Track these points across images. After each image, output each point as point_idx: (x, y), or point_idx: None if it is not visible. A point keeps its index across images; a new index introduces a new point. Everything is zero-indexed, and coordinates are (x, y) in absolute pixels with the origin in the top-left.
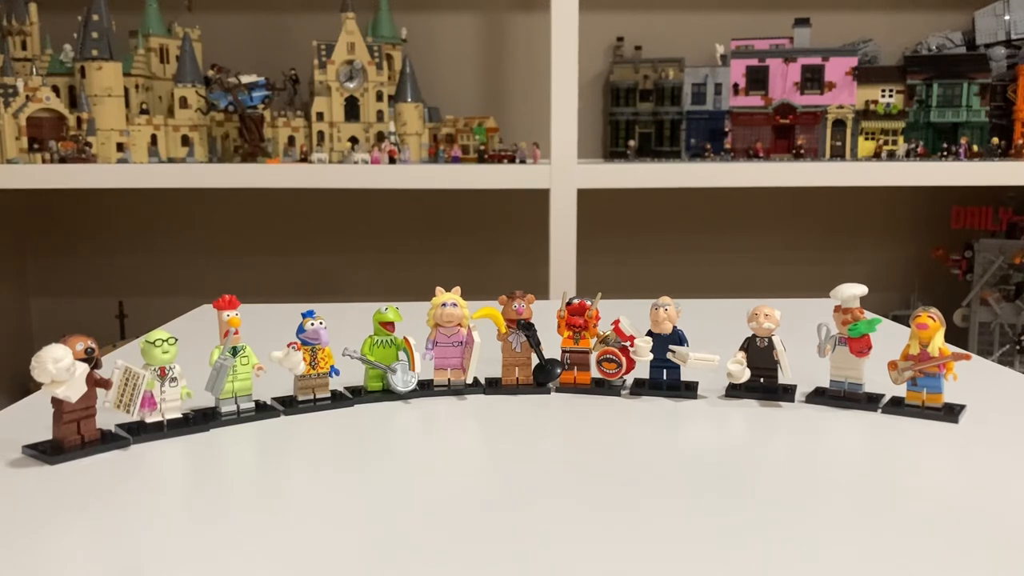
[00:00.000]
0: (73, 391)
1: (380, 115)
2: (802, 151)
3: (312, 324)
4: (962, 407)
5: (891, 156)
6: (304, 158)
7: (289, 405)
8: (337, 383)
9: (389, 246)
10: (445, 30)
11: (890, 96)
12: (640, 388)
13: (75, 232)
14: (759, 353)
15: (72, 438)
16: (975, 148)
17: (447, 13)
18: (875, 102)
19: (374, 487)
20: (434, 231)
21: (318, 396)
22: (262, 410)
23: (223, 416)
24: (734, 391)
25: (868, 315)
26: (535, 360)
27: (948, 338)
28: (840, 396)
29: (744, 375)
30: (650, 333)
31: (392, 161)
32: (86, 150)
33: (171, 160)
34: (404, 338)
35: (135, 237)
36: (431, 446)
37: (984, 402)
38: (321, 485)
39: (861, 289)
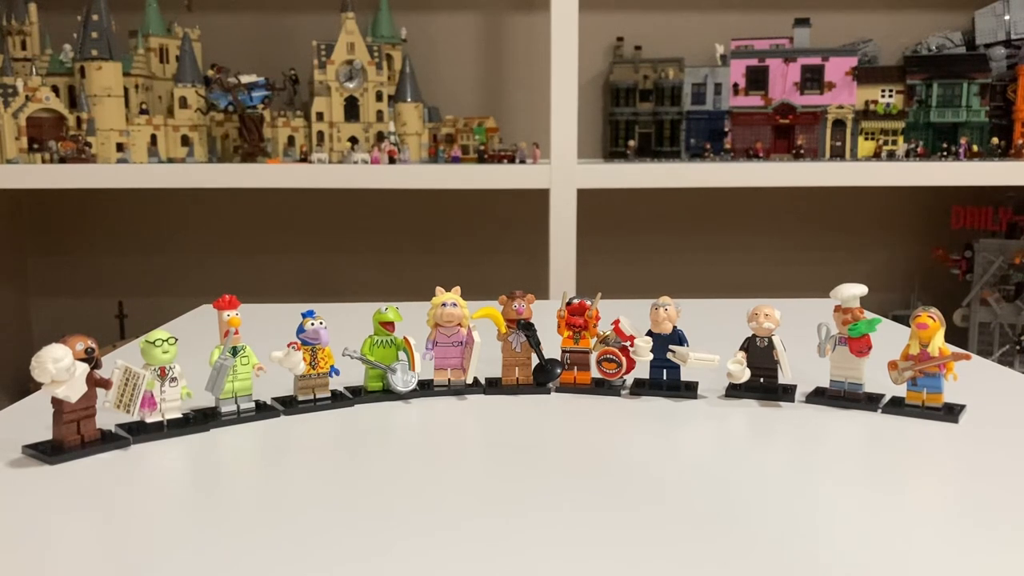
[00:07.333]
0: (73, 391)
1: (380, 115)
2: (802, 151)
3: (312, 324)
4: (962, 407)
5: (891, 156)
6: (304, 158)
7: (289, 405)
8: (337, 383)
9: (389, 246)
10: (445, 30)
11: (890, 96)
12: (640, 388)
13: (75, 232)
14: (759, 353)
15: (72, 438)
16: (975, 148)
17: (447, 13)
18: (875, 102)
19: (374, 487)
20: (434, 231)
21: (318, 396)
22: (262, 410)
23: (223, 416)
24: (734, 391)
25: (868, 315)
26: (535, 360)
27: (948, 338)
28: (840, 396)
29: (744, 375)
30: (650, 333)
31: (392, 161)
32: (86, 150)
33: (171, 160)
34: (404, 338)
35: (135, 237)
36: (431, 446)
37: (984, 402)
38: (321, 485)
39: (861, 289)
